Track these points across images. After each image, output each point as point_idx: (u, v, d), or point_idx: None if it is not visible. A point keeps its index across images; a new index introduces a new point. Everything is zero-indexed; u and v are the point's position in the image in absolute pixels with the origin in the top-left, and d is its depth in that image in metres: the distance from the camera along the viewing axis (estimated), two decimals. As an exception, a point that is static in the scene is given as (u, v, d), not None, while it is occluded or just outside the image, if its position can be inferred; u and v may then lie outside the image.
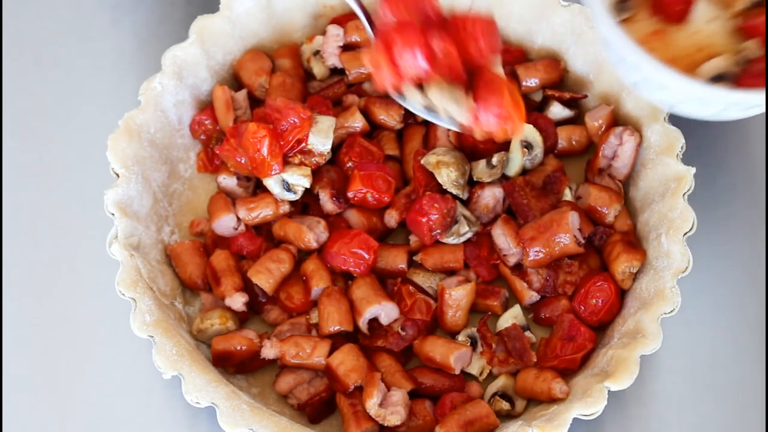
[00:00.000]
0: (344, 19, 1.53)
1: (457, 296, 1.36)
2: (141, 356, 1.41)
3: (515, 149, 1.42)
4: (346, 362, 1.32)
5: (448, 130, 1.45)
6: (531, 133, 1.42)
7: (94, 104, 1.60)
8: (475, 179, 1.42)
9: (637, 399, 1.39)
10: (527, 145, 1.42)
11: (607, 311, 1.36)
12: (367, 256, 1.37)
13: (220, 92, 1.48)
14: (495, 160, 1.41)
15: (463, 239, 1.40)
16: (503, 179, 1.43)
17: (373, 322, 1.38)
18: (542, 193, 1.41)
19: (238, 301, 1.37)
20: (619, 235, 1.40)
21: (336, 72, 1.54)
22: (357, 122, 1.46)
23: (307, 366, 1.34)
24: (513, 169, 1.42)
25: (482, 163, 1.41)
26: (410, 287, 1.38)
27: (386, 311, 1.36)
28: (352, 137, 1.45)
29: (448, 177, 1.38)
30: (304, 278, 1.40)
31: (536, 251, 1.35)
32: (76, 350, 1.44)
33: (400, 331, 1.37)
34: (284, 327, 1.39)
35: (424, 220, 1.37)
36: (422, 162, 1.40)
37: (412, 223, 1.40)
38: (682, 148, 1.36)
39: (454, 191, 1.39)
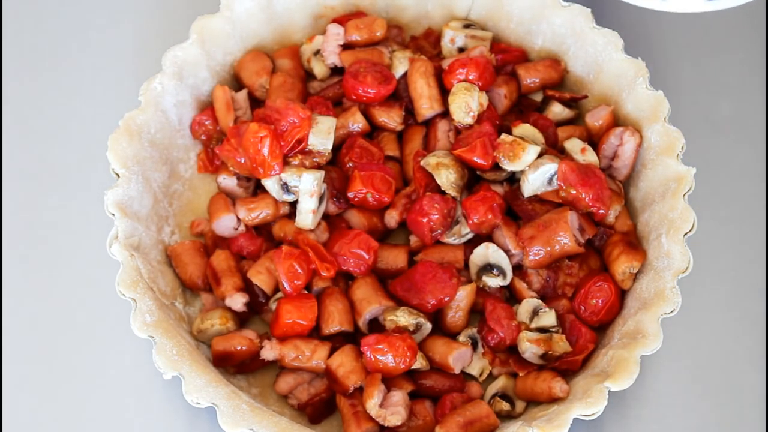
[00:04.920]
0: (344, 19, 1.54)
1: (458, 297, 1.36)
2: (141, 356, 1.41)
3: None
4: (346, 364, 1.32)
5: (449, 131, 1.45)
6: (531, 132, 1.41)
7: (94, 104, 1.60)
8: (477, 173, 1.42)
9: (637, 399, 1.39)
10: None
11: (607, 311, 1.36)
12: (367, 256, 1.37)
13: (220, 92, 1.48)
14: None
15: (464, 240, 1.40)
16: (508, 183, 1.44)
17: (373, 322, 1.38)
18: (543, 198, 1.41)
19: (238, 301, 1.37)
20: (620, 235, 1.40)
21: (336, 72, 1.54)
22: (357, 123, 1.46)
23: (307, 369, 1.34)
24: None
25: None
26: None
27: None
28: (352, 138, 1.45)
29: (447, 179, 1.38)
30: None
31: (536, 250, 1.35)
32: (76, 350, 1.44)
33: (400, 331, 1.37)
34: (284, 327, 1.39)
35: (424, 220, 1.37)
36: (422, 163, 1.40)
37: (412, 224, 1.40)
38: (682, 148, 1.36)
39: (453, 193, 1.39)
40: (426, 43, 1.56)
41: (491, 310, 1.36)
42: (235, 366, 1.37)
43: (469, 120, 1.42)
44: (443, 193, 1.40)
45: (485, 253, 1.38)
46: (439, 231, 1.38)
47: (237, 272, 1.40)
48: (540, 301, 1.36)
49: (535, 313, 1.35)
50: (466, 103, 1.42)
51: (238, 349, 1.35)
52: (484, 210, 1.37)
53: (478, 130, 1.41)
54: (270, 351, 1.34)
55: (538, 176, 1.37)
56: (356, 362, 1.32)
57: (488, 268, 1.38)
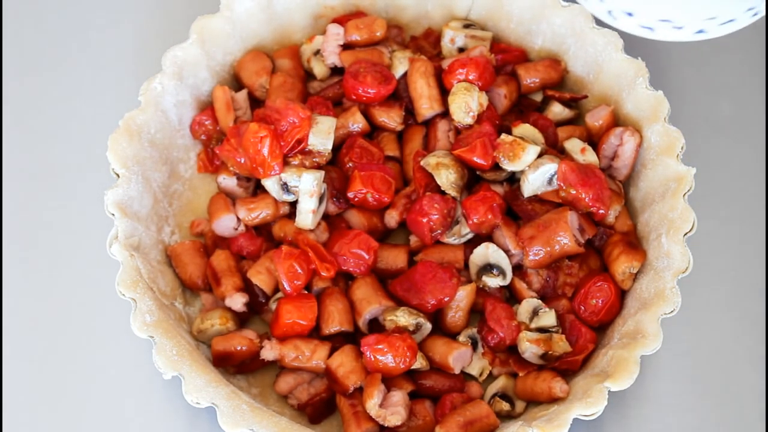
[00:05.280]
0: (344, 19, 1.53)
1: (458, 297, 1.36)
2: (141, 356, 1.41)
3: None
4: (346, 364, 1.32)
5: (449, 131, 1.45)
6: (531, 132, 1.41)
7: (94, 104, 1.60)
8: (477, 173, 1.42)
9: (637, 399, 1.39)
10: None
11: (607, 311, 1.36)
12: (367, 256, 1.37)
13: (220, 92, 1.48)
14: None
15: (463, 240, 1.40)
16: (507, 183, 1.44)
17: (373, 322, 1.38)
18: (543, 198, 1.40)
19: (238, 301, 1.37)
20: (620, 235, 1.40)
21: (336, 72, 1.54)
22: (357, 123, 1.46)
23: (307, 369, 1.34)
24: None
25: None
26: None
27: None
28: (352, 138, 1.45)
29: (447, 179, 1.38)
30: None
31: (536, 251, 1.35)
32: (76, 350, 1.44)
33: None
34: (284, 327, 1.39)
35: (424, 220, 1.37)
36: (422, 163, 1.40)
37: (412, 224, 1.40)
38: (682, 148, 1.36)
39: (453, 193, 1.39)
40: (426, 43, 1.56)
41: (491, 310, 1.36)
42: (235, 366, 1.37)
43: (469, 120, 1.42)
44: (443, 193, 1.40)
45: (485, 253, 1.38)
46: (439, 231, 1.38)
47: (237, 272, 1.40)
48: (540, 301, 1.36)
49: (535, 313, 1.35)
50: (466, 103, 1.42)
51: (238, 349, 1.35)
52: (484, 210, 1.37)
53: (478, 130, 1.41)
54: (270, 351, 1.34)
55: (538, 176, 1.37)
56: (356, 362, 1.33)
57: (488, 268, 1.38)
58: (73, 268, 1.49)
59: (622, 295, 1.38)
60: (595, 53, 1.46)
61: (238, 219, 1.43)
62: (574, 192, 1.35)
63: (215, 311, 1.38)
